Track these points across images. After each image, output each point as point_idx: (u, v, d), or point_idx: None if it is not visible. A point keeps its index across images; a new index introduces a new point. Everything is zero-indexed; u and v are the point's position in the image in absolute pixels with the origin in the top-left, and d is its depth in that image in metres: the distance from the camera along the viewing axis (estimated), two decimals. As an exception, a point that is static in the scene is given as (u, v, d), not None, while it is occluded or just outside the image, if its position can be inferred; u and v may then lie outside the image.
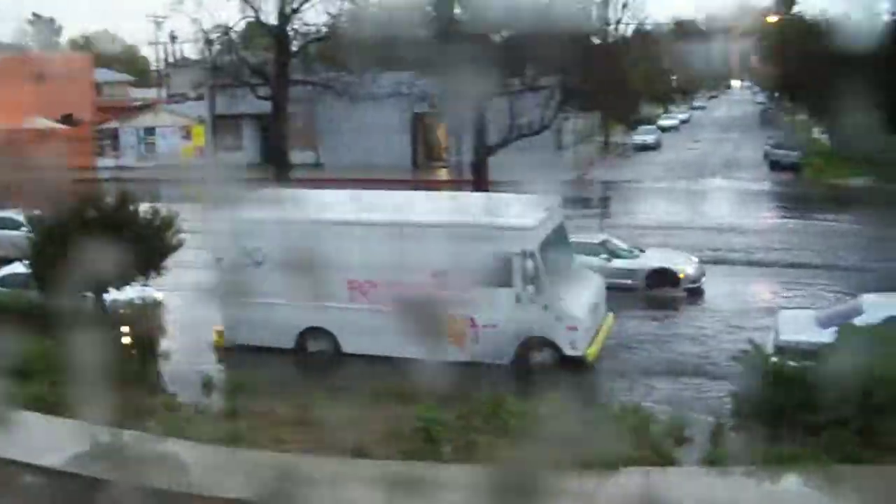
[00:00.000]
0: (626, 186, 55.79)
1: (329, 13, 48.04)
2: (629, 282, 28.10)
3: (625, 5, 75.14)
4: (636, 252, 29.60)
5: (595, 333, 21.91)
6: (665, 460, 15.46)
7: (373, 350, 20.79)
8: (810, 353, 17.27)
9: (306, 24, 48.41)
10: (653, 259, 29.30)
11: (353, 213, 21.81)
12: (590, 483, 14.19)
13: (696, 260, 29.95)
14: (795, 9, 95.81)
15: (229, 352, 22.48)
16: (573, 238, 26.65)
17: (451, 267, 20.78)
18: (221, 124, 66.34)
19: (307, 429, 16.85)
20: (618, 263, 28.49)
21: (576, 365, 20.76)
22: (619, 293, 26.06)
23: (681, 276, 28.37)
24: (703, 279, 28.94)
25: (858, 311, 20.49)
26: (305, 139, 62.19)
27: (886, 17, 70.55)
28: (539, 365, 20.91)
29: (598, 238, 29.77)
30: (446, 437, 16.06)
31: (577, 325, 20.95)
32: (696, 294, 28.22)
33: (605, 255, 28.43)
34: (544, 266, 20.91)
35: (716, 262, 32.40)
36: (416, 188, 41.99)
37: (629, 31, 79.82)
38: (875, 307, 20.64)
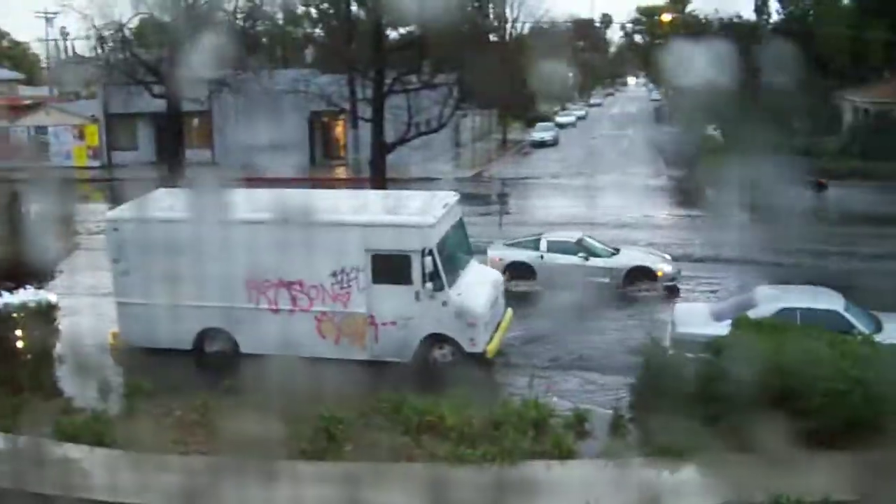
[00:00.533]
0: (525, 183, 56.12)
1: (224, 10, 47.65)
2: (607, 280, 28.23)
3: (521, 3, 75.71)
4: (612, 251, 29.61)
5: (495, 329, 22.04)
6: (565, 453, 15.66)
7: (272, 350, 20.65)
8: (706, 345, 17.58)
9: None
10: (631, 258, 29.29)
11: (250, 212, 21.61)
12: (492, 476, 14.33)
13: (670, 258, 30.17)
14: (689, 7, 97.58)
15: (126, 354, 22.14)
16: (552, 237, 28.15)
17: (350, 265, 20.82)
18: (115, 123, 65.36)
19: (207, 431, 16.73)
20: (596, 262, 28.60)
21: (477, 361, 20.87)
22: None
23: (659, 273, 28.55)
24: (679, 277, 29.15)
25: (752, 304, 20.90)
26: (201, 138, 61.63)
27: (775, 17, 72.41)
28: (440, 362, 20.98)
29: (573, 237, 29.77)
30: (347, 436, 16.07)
31: (476, 321, 21.00)
32: (672, 291, 28.40)
33: (582, 254, 28.60)
34: (443, 263, 20.96)
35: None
36: (314, 186, 41.71)
37: (526, 29, 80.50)
38: (768, 299, 21.09)
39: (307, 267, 20.97)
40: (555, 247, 28.46)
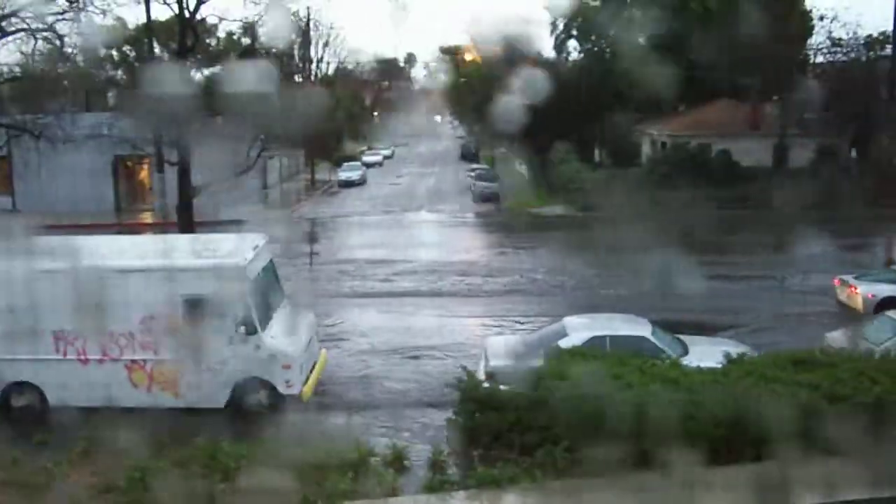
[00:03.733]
0: (334, 222, 56.20)
1: (22, 52, 46.36)
2: None
3: (326, 44, 76.00)
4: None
5: (310, 371, 21.96)
6: (387, 491, 15.70)
7: (81, 402, 20.09)
8: (520, 376, 17.89)
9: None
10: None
11: (54, 261, 20.99)
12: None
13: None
14: (493, 45, 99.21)
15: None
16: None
17: (159, 311, 20.47)
18: None
19: (15, 489, 16.18)
20: None
21: (292, 403, 20.74)
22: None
23: None
24: None
25: (563, 334, 21.39)
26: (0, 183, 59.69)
27: (576, 56, 74.51)
28: (256, 406, 20.77)
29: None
30: (163, 485, 15.76)
31: (291, 363, 20.90)
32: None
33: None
34: (255, 306, 20.83)
35: (433, 294, 33.66)
36: (120, 232, 40.90)
37: (331, 70, 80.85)
38: (578, 328, 21.64)
39: (116, 314, 20.51)
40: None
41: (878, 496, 12.04)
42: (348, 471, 16.16)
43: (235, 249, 21.85)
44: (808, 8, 61.61)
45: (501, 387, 17.80)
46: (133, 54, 48.25)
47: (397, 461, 17.01)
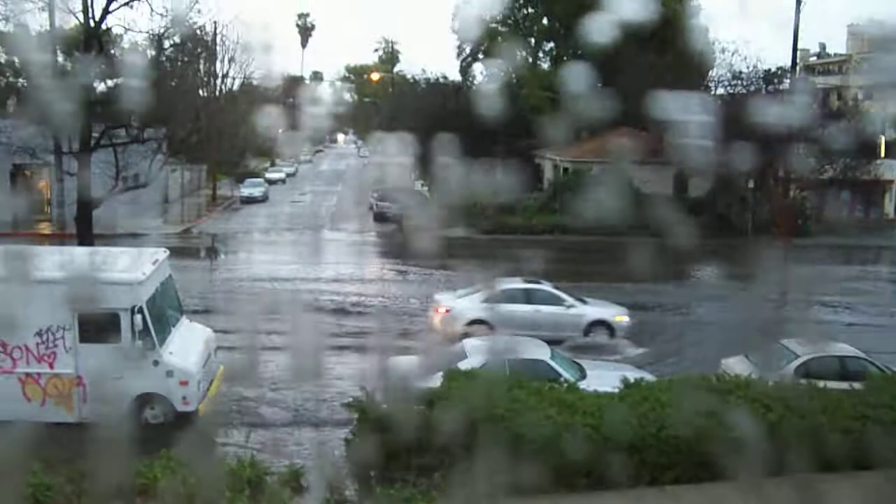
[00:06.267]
0: (235, 238, 55.82)
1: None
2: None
3: (231, 59, 75.45)
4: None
5: (207, 387, 21.78)
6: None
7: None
8: (419, 397, 17.95)
9: None
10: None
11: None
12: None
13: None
14: (397, 67, 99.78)
15: None
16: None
17: (55, 325, 20.15)
18: None
19: None
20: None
21: (189, 419, 20.57)
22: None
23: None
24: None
25: (462, 356, 21.53)
26: None
27: (480, 77, 75.13)
28: (151, 422, 20.55)
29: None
30: (56, 502, 15.50)
31: (188, 379, 20.75)
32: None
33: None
34: (153, 321, 20.61)
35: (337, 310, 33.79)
36: (16, 242, 40.07)
37: (236, 85, 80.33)
38: (477, 351, 21.80)
39: (9, 327, 20.12)
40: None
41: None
42: (244, 489, 16.07)
43: (134, 263, 21.63)
44: (711, 40, 62.85)
45: (400, 407, 17.84)
46: (35, 62, 47.31)
47: (294, 480, 16.92)
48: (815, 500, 14.24)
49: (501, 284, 30.01)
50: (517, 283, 30.05)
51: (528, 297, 29.50)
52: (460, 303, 29.44)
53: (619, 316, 29.65)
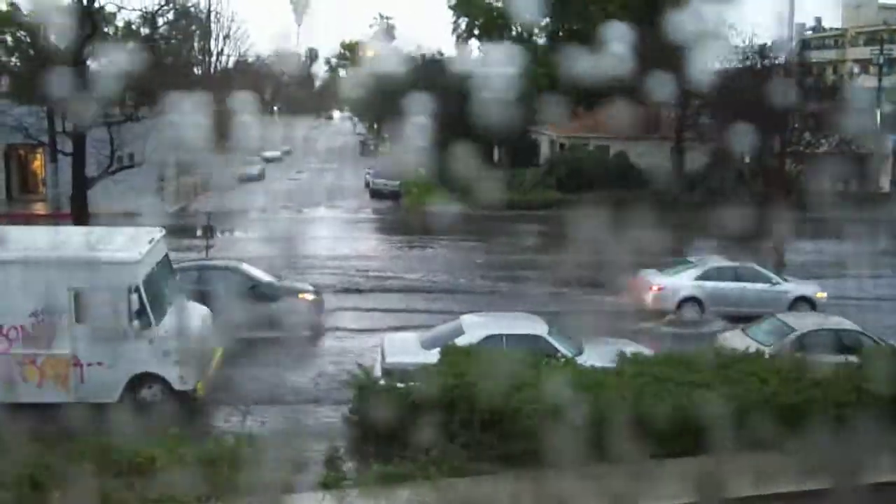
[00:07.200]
0: (231, 216, 55.71)
1: None
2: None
3: (226, 37, 75.30)
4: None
5: (206, 366, 21.78)
6: (282, 487, 15.63)
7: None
8: (416, 373, 17.99)
9: None
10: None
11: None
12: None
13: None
14: (394, 42, 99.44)
15: None
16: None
17: (51, 305, 20.11)
18: None
19: None
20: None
21: (187, 399, 20.58)
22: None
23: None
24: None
25: (459, 332, 21.53)
26: None
27: (476, 52, 74.99)
28: (149, 401, 20.54)
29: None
30: (54, 482, 15.50)
31: (185, 358, 20.72)
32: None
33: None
34: (150, 300, 20.59)
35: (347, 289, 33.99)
36: (11, 223, 39.96)
37: (231, 63, 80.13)
38: (475, 327, 21.83)
39: (5, 307, 20.11)
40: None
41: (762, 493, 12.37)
42: (243, 467, 16.08)
43: (131, 242, 21.59)
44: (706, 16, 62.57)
45: (398, 384, 17.87)
46: (28, 41, 47.11)
47: (293, 457, 16.93)
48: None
49: (710, 262, 31.11)
50: (725, 262, 31.20)
51: (737, 274, 30.43)
52: (673, 280, 30.27)
53: (819, 293, 30.45)
